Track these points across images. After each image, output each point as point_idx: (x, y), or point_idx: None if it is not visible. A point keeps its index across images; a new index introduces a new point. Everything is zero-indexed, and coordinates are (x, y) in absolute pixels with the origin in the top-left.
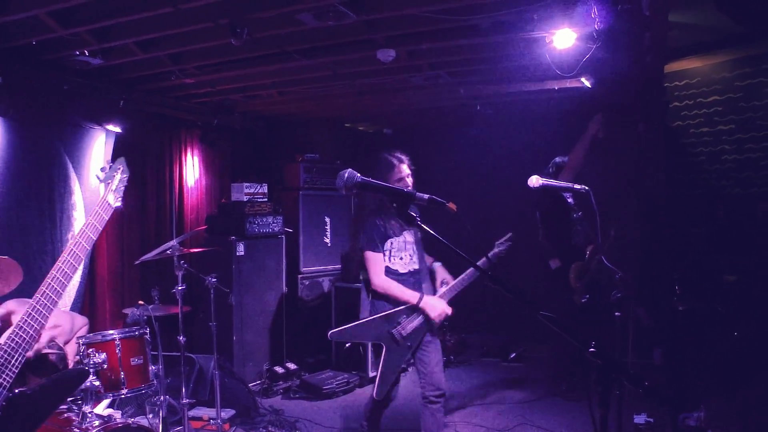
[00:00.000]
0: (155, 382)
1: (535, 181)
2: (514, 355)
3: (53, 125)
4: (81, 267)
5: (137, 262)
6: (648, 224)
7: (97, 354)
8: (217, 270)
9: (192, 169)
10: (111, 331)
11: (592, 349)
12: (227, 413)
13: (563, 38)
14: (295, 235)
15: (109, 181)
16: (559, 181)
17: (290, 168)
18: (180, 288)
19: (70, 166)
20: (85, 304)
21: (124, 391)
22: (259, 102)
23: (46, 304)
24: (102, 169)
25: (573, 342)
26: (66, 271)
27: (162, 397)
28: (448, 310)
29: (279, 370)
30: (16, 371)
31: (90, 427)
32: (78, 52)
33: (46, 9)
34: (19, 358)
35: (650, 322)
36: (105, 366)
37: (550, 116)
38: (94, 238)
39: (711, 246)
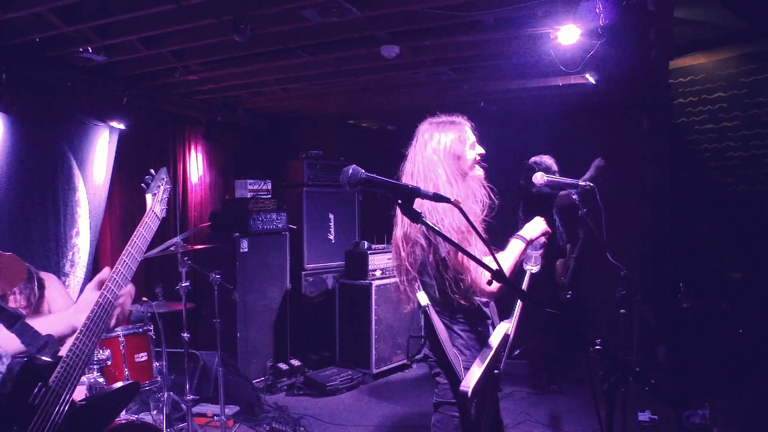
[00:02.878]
0: (159, 378)
1: (540, 178)
2: (518, 351)
3: (57, 122)
4: (86, 264)
5: (140, 259)
6: (652, 221)
7: (101, 350)
8: (220, 267)
9: (196, 166)
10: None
11: (597, 347)
12: (231, 410)
13: (568, 34)
14: (299, 231)
15: (155, 191)
16: (565, 178)
17: (294, 165)
18: (184, 285)
19: (73, 162)
20: None
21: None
22: (262, 98)
23: (102, 316)
24: (147, 178)
25: (579, 339)
26: (120, 283)
27: (166, 394)
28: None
29: (283, 366)
30: (77, 384)
31: None
32: (81, 49)
33: (49, 6)
34: (79, 373)
35: (655, 319)
36: (109, 362)
37: (554, 113)
38: (144, 249)
39: (716, 243)
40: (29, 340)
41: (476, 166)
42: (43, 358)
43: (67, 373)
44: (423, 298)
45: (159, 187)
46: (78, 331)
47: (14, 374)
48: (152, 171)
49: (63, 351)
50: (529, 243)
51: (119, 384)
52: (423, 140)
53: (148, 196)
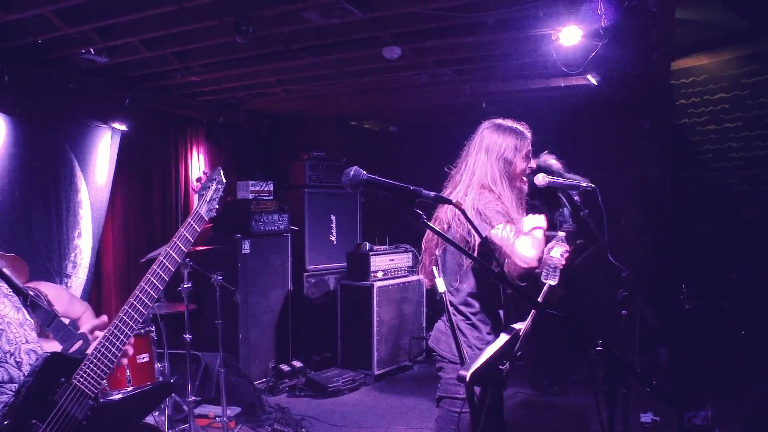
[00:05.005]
0: (161, 380)
1: (541, 179)
2: (519, 353)
3: (59, 123)
4: (88, 266)
5: (143, 260)
6: (654, 222)
7: None
8: (222, 268)
9: (197, 167)
10: None
11: (599, 348)
12: (233, 411)
13: (569, 35)
14: (301, 233)
15: (204, 192)
16: (566, 179)
17: (295, 166)
18: (186, 286)
19: (76, 164)
20: (91, 301)
21: (130, 388)
22: (264, 100)
23: (133, 316)
24: (197, 179)
25: (580, 340)
26: (155, 283)
27: None
28: None
29: (284, 368)
30: (102, 382)
31: None
32: (83, 51)
33: (51, 7)
34: (105, 370)
35: (656, 320)
36: None
37: (556, 114)
38: (185, 250)
39: (717, 244)
40: (64, 337)
41: (523, 178)
42: (70, 353)
43: (91, 370)
44: (441, 284)
45: (209, 187)
46: (107, 329)
47: (36, 368)
48: (205, 171)
49: (90, 349)
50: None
51: (149, 384)
52: (481, 137)
53: (195, 197)
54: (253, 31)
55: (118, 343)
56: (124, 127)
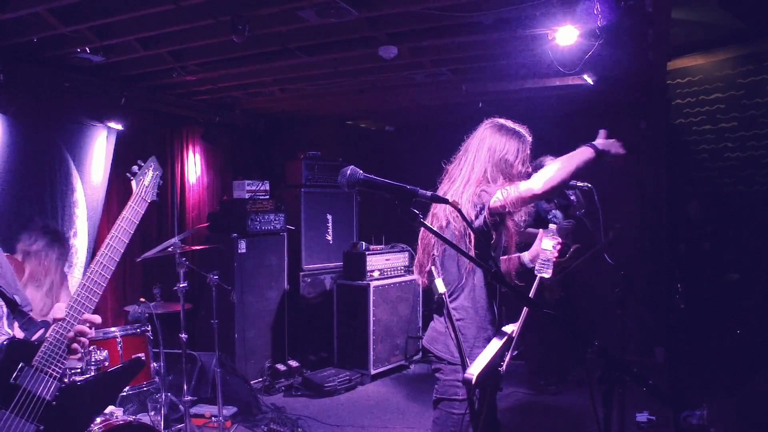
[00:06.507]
0: (157, 379)
1: None
2: (516, 352)
3: (54, 122)
4: (84, 265)
5: (139, 260)
6: (650, 222)
7: (98, 351)
8: (218, 267)
9: (193, 167)
10: (113, 329)
11: (595, 348)
12: (229, 411)
13: (566, 35)
14: (297, 232)
15: (141, 178)
16: None
17: (292, 165)
18: (182, 285)
19: (71, 163)
20: None
21: (126, 388)
22: (260, 99)
23: (87, 296)
24: (134, 168)
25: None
26: (106, 265)
27: (163, 395)
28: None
29: (281, 367)
30: (65, 361)
31: (92, 425)
32: (79, 50)
33: (47, 6)
34: (65, 348)
35: (653, 320)
36: (107, 363)
37: (552, 113)
38: (131, 232)
39: (713, 244)
40: (26, 326)
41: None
42: (31, 340)
43: (52, 352)
44: (440, 285)
45: (145, 173)
46: (66, 305)
47: None
48: (139, 162)
49: (48, 332)
50: (599, 153)
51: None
52: (484, 135)
53: (132, 182)
54: (250, 30)
55: (74, 324)
56: (120, 127)
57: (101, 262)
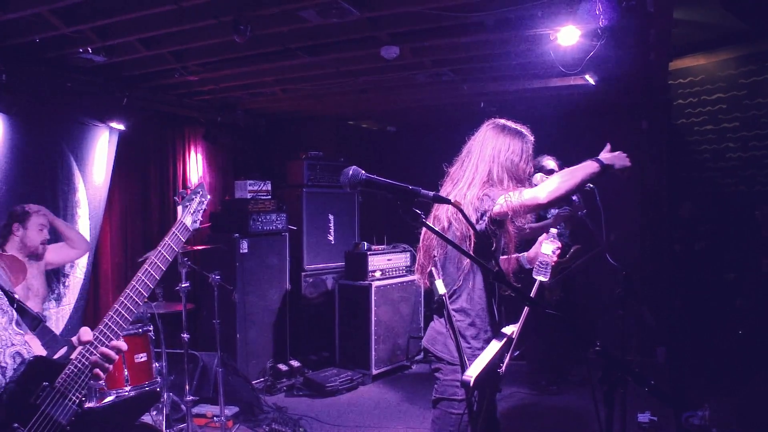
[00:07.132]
0: (159, 379)
1: (539, 178)
2: (517, 353)
3: (57, 123)
4: (86, 265)
5: (141, 259)
6: (651, 222)
7: None
8: (220, 267)
9: (195, 167)
10: None
11: (597, 348)
12: (231, 410)
13: (567, 35)
14: (299, 232)
15: (188, 204)
16: None
17: (293, 165)
18: (183, 285)
19: (73, 163)
20: (88, 300)
21: (128, 388)
22: (262, 99)
23: (118, 322)
24: (182, 192)
25: (578, 340)
26: (140, 291)
27: (165, 395)
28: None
29: (282, 367)
30: (86, 388)
31: None
32: (81, 50)
33: (49, 6)
34: (89, 373)
35: (654, 320)
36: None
37: (554, 114)
38: (170, 259)
39: (715, 244)
40: (49, 343)
41: (524, 179)
42: (54, 358)
43: (75, 375)
44: (441, 286)
45: (193, 199)
46: (96, 328)
47: (20, 372)
48: (189, 185)
49: (74, 354)
50: (605, 168)
51: (136, 390)
52: (487, 136)
53: (179, 208)
54: (251, 30)
55: (101, 348)
56: (121, 127)
57: (136, 288)
